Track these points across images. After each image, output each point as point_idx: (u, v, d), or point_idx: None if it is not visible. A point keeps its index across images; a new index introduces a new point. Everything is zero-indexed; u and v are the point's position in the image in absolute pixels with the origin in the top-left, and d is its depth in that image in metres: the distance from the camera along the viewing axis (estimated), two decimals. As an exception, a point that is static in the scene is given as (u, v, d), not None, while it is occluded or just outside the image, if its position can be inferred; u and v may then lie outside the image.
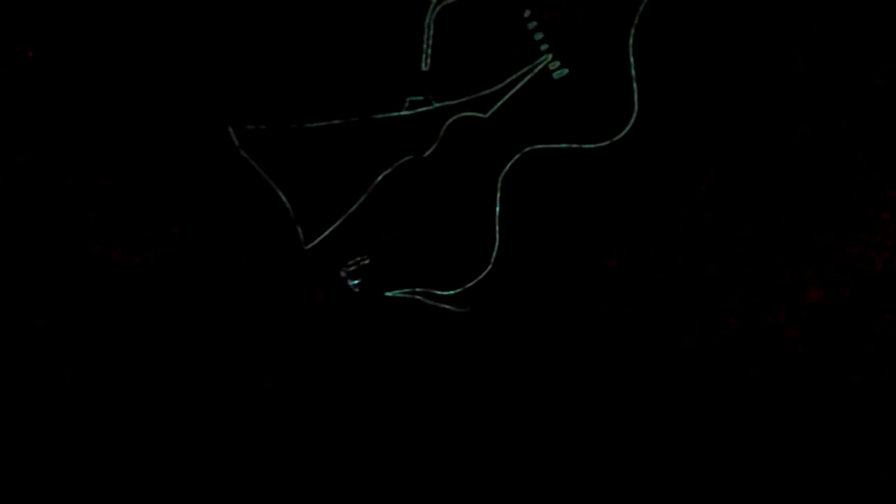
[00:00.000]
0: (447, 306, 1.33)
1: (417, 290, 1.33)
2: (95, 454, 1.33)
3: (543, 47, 1.34)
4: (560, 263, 1.33)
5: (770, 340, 1.31)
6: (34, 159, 1.34)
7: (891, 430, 1.30)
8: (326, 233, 1.34)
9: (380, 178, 1.34)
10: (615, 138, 1.32)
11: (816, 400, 1.30)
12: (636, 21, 1.33)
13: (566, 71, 1.34)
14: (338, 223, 1.34)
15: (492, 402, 1.32)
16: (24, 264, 1.34)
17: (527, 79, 1.34)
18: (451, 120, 1.34)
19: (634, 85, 1.32)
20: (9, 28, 1.35)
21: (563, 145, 1.33)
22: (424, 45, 1.34)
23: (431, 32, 1.34)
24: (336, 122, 1.34)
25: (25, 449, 1.33)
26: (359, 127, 1.34)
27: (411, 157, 1.34)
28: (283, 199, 1.33)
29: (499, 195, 1.33)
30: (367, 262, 1.33)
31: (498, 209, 1.33)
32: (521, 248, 1.33)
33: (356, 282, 1.33)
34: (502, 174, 1.33)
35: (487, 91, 1.34)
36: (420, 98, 1.34)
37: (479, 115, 1.34)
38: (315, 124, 1.34)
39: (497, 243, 1.33)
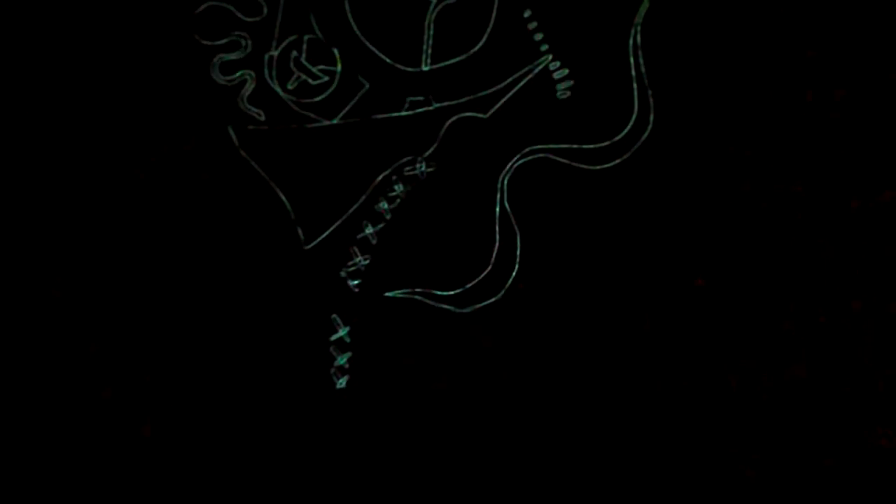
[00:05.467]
0: (447, 306, 1.33)
1: (417, 290, 1.33)
2: (96, 455, 1.33)
3: (543, 47, 1.34)
4: (561, 263, 1.33)
5: (772, 340, 1.31)
6: (33, 159, 1.34)
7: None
8: (326, 233, 1.34)
9: (380, 178, 1.34)
10: (615, 139, 1.32)
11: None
12: (636, 21, 1.33)
13: (566, 71, 1.34)
14: (338, 223, 1.34)
15: (492, 403, 1.32)
16: (23, 265, 1.34)
17: (527, 79, 1.34)
18: (451, 120, 1.34)
19: (634, 85, 1.33)
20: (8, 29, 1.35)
21: (564, 146, 1.33)
22: (424, 45, 1.34)
23: (431, 32, 1.34)
24: (336, 122, 1.34)
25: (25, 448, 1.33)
26: (359, 127, 1.34)
27: (411, 157, 1.34)
28: (283, 199, 1.33)
29: (499, 195, 1.33)
30: (367, 262, 1.33)
31: (498, 209, 1.33)
32: (521, 248, 1.33)
33: (356, 282, 1.33)
34: (502, 174, 1.33)
35: (487, 91, 1.34)
36: (420, 98, 1.34)
37: (479, 115, 1.34)
38: (315, 124, 1.34)
39: (497, 243, 1.33)
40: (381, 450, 1.32)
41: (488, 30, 1.34)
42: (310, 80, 1.34)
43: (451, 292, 1.32)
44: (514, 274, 1.32)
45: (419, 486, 1.31)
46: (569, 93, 1.33)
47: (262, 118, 1.34)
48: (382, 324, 1.33)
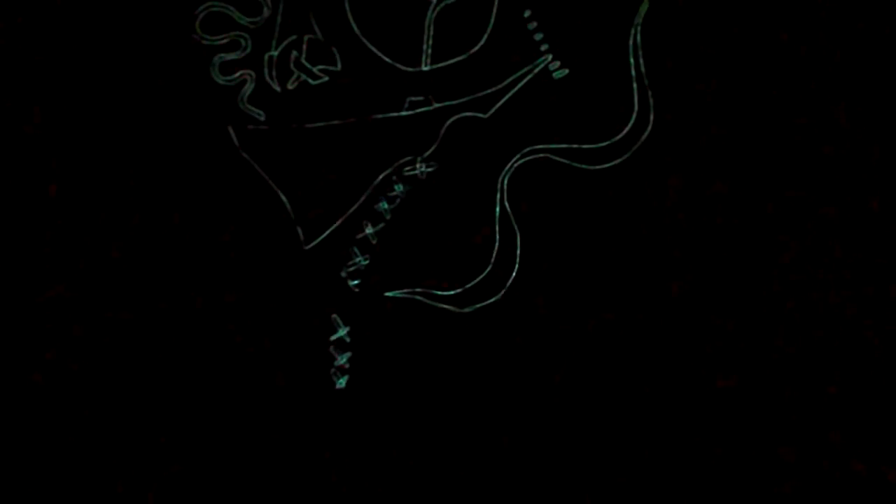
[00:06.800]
0: (447, 306, 1.33)
1: (417, 290, 1.33)
2: (96, 455, 1.33)
3: (544, 47, 1.34)
4: (561, 264, 1.33)
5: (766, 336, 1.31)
6: (33, 159, 1.34)
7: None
8: (326, 233, 1.34)
9: (380, 178, 1.34)
10: (615, 139, 1.33)
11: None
12: (636, 21, 1.33)
13: (566, 71, 1.34)
14: (338, 223, 1.34)
15: (492, 403, 1.32)
16: (22, 265, 1.34)
17: (527, 79, 1.34)
18: (451, 120, 1.34)
19: (634, 85, 1.33)
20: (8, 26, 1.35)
21: (564, 146, 1.33)
22: (424, 45, 1.34)
23: (431, 32, 1.34)
24: (336, 122, 1.34)
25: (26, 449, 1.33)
26: (359, 127, 1.34)
27: (411, 157, 1.34)
28: (283, 199, 1.33)
29: (499, 195, 1.33)
30: (367, 262, 1.33)
31: (498, 209, 1.33)
32: (521, 248, 1.33)
33: (356, 282, 1.33)
34: (502, 175, 1.33)
35: (487, 91, 1.34)
36: (420, 98, 1.34)
37: (479, 115, 1.34)
38: (315, 124, 1.34)
39: (497, 243, 1.33)
40: (381, 450, 1.32)
41: (488, 30, 1.34)
42: (310, 80, 1.34)
43: (451, 292, 1.33)
44: (514, 274, 1.32)
45: (419, 486, 1.32)
46: (569, 92, 1.33)
47: (262, 118, 1.34)
48: (382, 324, 1.33)
